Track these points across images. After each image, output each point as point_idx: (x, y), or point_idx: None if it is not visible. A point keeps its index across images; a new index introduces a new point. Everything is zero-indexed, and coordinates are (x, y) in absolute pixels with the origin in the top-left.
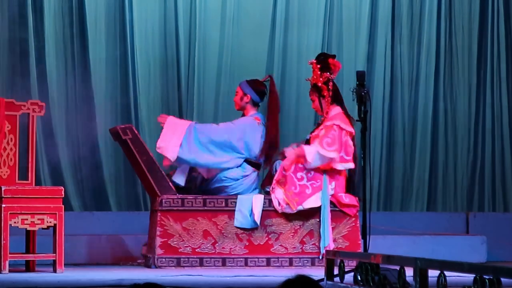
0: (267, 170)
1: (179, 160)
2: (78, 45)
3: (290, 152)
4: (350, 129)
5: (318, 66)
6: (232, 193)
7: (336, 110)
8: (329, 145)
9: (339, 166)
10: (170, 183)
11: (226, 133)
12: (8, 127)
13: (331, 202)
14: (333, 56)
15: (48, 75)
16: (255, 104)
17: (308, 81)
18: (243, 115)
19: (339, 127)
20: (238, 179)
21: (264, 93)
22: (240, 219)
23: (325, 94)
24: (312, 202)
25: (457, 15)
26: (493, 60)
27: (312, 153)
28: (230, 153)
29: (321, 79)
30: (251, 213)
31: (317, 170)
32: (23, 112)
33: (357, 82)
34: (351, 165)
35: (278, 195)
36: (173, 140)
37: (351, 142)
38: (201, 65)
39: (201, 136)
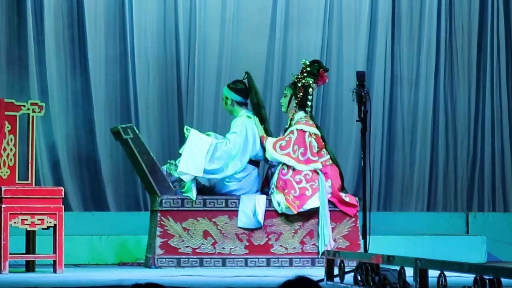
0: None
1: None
2: (78, 45)
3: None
4: (314, 130)
5: (308, 69)
6: (238, 194)
7: (300, 114)
8: (282, 148)
9: (310, 168)
10: (171, 184)
11: (235, 149)
12: (8, 127)
13: (331, 202)
14: (326, 70)
15: (48, 75)
16: (241, 104)
17: (292, 76)
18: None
19: (299, 130)
20: (240, 180)
21: (243, 90)
22: (244, 219)
23: (298, 96)
24: (312, 203)
25: (457, 14)
26: (492, 60)
27: (268, 152)
28: (240, 162)
29: (303, 81)
30: (255, 213)
31: (314, 171)
32: (23, 112)
33: (357, 82)
34: (318, 166)
35: (278, 198)
36: (198, 157)
37: (315, 143)
38: (201, 65)
39: (219, 153)
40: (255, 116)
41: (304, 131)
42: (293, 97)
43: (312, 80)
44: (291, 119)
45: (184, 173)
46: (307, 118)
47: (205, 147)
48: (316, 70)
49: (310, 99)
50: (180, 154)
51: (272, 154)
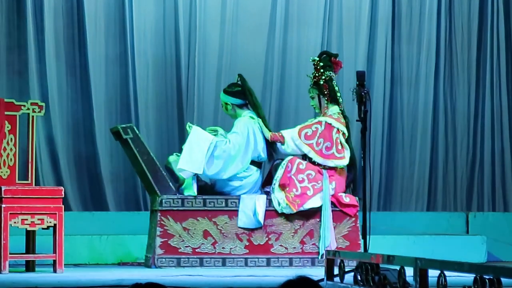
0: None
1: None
2: (77, 45)
3: (270, 134)
4: (343, 128)
5: (321, 64)
6: (239, 193)
7: (334, 109)
8: (307, 137)
9: (330, 163)
10: (170, 183)
11: (235, 149)
12: (8, 127)
13: (331, 202)
14: (336, 55)
15: (48, 75)
16: (241, 106)
17: (309, 78)
18: None
19: (328, 124)
20: (242, 179)
21: (240, 92)
22: (244, 219)
23: (326, 92)
24: (313, 203)
25: (456, 14)
26: (492, 60)
27: (290, 140)
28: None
29: (323, 77)
30: (255, 213)
31: (318, 171)
32: (23, 112)
33: (357, 82)
34: (344, 162)
35: (279, 195)
36: (198, 154)
37: (343, 140)
38: (201, 65)
39: (218, 152)
40: (258, 118)
41: (333, 127)
42: (322, 96)
43: (330, 72)
44: (323, 115)
45: (183, 169)
46: (340, 115)
47: (206, 145)
48: (328, 61)
49: (337, 90)
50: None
51: (295, 140)
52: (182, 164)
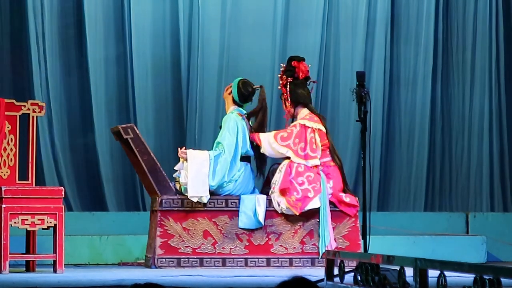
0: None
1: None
2: (78, 46)
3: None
4: (318, 126)
5: (282, 70)
6: (237, 194)
7: (303, 112)
8: (283, 139)
9: (301, 161)
10: (171, 183)
11: (230, 155)
12: (8, 127)
13: (331, 202)
14: (298, 58)
15: (49, 75)
16: (234, 102)
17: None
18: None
19: (302, 125)
20: (236, 180)
21: (244, 96)
22: (245, 220)
23: (285, 97)
24: (313, 204)
25: (453, 16)
26: (491, 60)
27: (266, 144)
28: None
29: (280, 82)
30: (255, 213)
31: (316, 172)
32: (23, 112)
33: (357, 83)
34: (316, 162)
35: (279, 199)
36: (201, 179)
37: (318, 139)
38: (201, 66)
39: (218, 166)
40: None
41: (307, 127)
42: (285, 102)
43: (288, 75)
44: (294, 118)
45: (194, 196)
46: (311, 115)
47: (206, 165)
48: (291, 65)
49: (302, 93)
50: (175, 171)
51: (272, 144)
52: (192, 192)
